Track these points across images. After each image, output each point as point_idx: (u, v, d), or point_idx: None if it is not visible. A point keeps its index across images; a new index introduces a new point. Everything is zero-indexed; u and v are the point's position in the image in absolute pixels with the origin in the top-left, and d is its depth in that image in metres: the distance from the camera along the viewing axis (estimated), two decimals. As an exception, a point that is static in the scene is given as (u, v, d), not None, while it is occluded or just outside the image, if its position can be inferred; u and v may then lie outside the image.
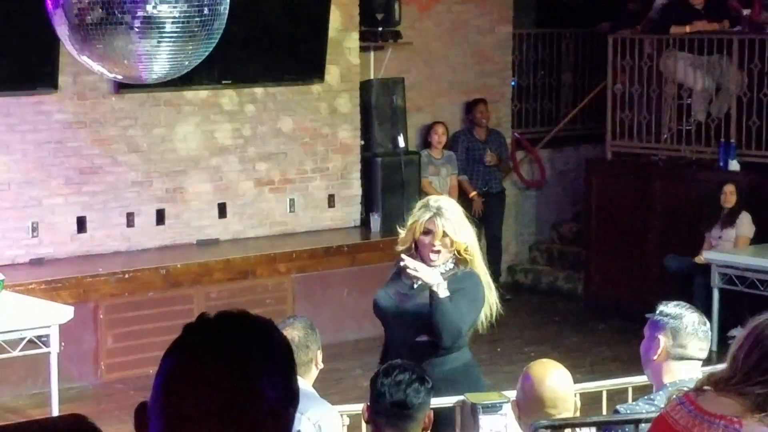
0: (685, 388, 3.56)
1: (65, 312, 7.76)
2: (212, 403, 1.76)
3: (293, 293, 10.00)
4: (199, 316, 1.88)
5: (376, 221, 10.95)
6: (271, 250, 10.11)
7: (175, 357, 1.84)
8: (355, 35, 11.00)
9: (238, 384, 1.77)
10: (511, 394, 4.53)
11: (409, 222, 5.52)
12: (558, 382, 4.17)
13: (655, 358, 4.31)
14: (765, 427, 3.20)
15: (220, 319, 1.86)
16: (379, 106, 11.27)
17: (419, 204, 5.62)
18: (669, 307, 4.36)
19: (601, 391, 5.63)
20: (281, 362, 1.84)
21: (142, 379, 9.08)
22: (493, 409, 4.92)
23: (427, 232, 5.42)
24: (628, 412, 4.35)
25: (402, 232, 5.61)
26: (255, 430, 1.78)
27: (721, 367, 3.46)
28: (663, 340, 4.29)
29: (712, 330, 9.55)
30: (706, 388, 3.35)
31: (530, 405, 4.14)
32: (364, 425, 4.83)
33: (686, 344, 4.28)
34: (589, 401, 5.58)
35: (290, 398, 1.83)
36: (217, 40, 6.44)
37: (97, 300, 9.15)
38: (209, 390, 1.76)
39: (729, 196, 10.22)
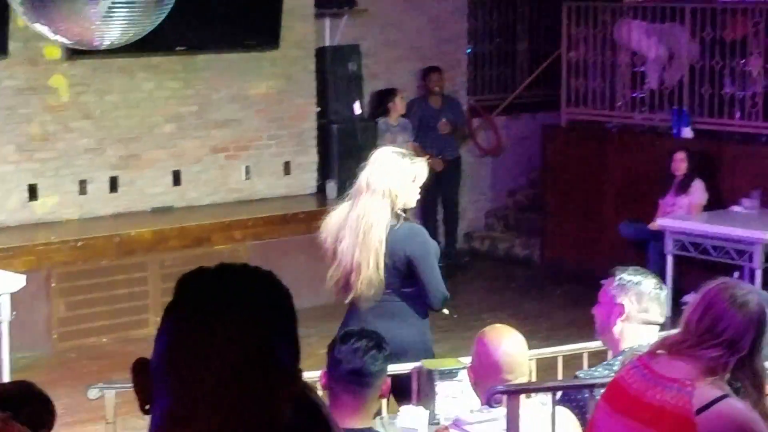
0: (639, 352, 3.59)
1: (17, 280, 7.69)
2: (226, 365, 1.65)
3: (249, 261, 9.95)
4: (197, 269, 1.75)
5: (332, 188, 10.93)
6: (227, 217, 10.07)
7: (180, 314, 1.70)
8: (311, 1, 10.94)
9: (251, 342, 1.66)
10: (468, 360, 4.54)
11: (410, 179, 5.46)
12: (513, 347, 4.19)
13: (619, 322, 4.32)
14: (717, 390, 3.24)
15: (223, 271, 1.74)
16: (334, 73, 11.22)
17: (403, 160, 5.49)
18: (629, 273, 4.38)
19: (556, 357, 5.66)
20: (290, 316, 1.73)
21: (95, 348, 9.05)
22: (449, 375, 4.94)
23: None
24: (588, 377, 4.38)
25: (409, 198, 5.48)
26: (271, 392, 1.67)
27: (675, 331, 3.50)
28: (627, 304, 4.32)
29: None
30: (659, 351, 3.38)
31: (486, 371, 4.15)
32: (320, 392, 4.84)
33: (649, 308, 4.32)
34: (545, 366, 5.61)
35: (298, 355, 1.73)
36: (171, 6, 6.38)
37: (49, 268, 9.08)
38: (221, 350, 1.65)
39: (679, 163, 10.28)
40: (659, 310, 4.34)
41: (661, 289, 4.38)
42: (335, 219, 5.57)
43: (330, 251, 5.57)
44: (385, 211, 5.41)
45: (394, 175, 5.43)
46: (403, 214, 5.50)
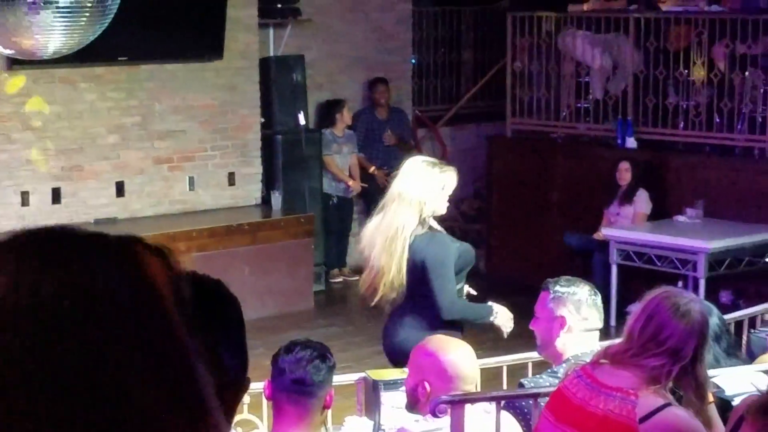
0: (583, 361, 3.59)
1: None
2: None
3: (194, 272, 9.88)
4: None
5: (277, 199, 10.89)
6: (171, 229, 9.99)
7: None
8: (254, 12, 10.89)
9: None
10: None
11: (439, 187, 5.63)
12: (470, 359, 4.17)
13: (562, 334, 4.34)
14: (660, 398, 3.24)
15: None
16: (279, 83, 11.19)
17: (433, 169, 5.68)
18: (561, 284, 4.41)
19: (501, 367, 5.66)
20: (237, 326, 1.73)
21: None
22: (394, 385, 4.92)
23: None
24: (533, 385, 4.38)
25: (438, 206, 5.64)
26: (219, 398, 1.67)
27: (618, 340, 3.50)
28: (568, 316, 4.33)
29: (610, 305, 9.72)
30: (602, 361, 3.38)
31: (445, 384, 4.07)
32: (264, 402, 4.79)
33: (588, 316, 4.34)
34: (490, 376, 5.61)
35: (246, 365, 1.73)
36: (112, 16, 6.33)
37: (-9, 281, 8.96)
38: None
39: (624, 173, 10.34)
40: (598, 316, 4.38)
41: (595, 294, 4.42)
42: (371, 228, 5.79)
43: (367, 259, 5.80)
44: (412, 218, 5.62)
45: (422, 183, 5.63)
46: (433, 222, 5.71)
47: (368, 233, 5.78)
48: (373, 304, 5.78)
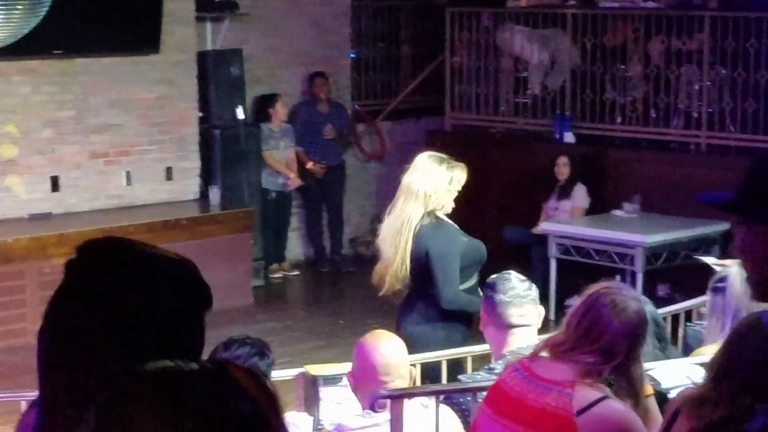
0: (521, 355, 3.60)
1: None
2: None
3: (130, 268, 9.77)
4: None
5: (215, 194, 10.82)
6: (107, 224, 9.88)
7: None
8: (191, 5, 10.81)
9: None
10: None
11: (446, 182, 5.76)
12: (389, 350, 4.19)
13: (487, 330, 4.40)
14: (597, 392, 3.25)
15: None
16: (216, 77, 11.11)
17: (440, 166, 5.81)
18: (492, 281, 4.44)
19: (440, 361, 5.66)
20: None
21: (-28, 358, 8.82)
22: (333, 380, 4.89)
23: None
24: (470, 381, 4.39)
25: (439, 198, 5.75)
26: None
27: (558, 332, 3.50)
28: (491, 311, 4.36)
29: (549, 299, 9.73)
30: (542, 354, 3.38)
31: (364, 374, 4.14)
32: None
33: (508, 313, 4.35)
34: (429, 371, 5.59)
35: (201, 348, 1.76)
36: (47, 9, 6.25)
37: (-77, 277, 8.84)
38: None
39: (562, 167, 10.39)
40: (519, 312, 4.36)
41: (528, 289, 4.41)
42: (386, 223, 5.92)
43: (380, 252, 5.96)
44: (418, 211, 5.75)
45: (429, 178, 5.77)
46: (442, 216, 5.82)
47: (384, 228, 5.92)
48: (381, 294, 5.91)
